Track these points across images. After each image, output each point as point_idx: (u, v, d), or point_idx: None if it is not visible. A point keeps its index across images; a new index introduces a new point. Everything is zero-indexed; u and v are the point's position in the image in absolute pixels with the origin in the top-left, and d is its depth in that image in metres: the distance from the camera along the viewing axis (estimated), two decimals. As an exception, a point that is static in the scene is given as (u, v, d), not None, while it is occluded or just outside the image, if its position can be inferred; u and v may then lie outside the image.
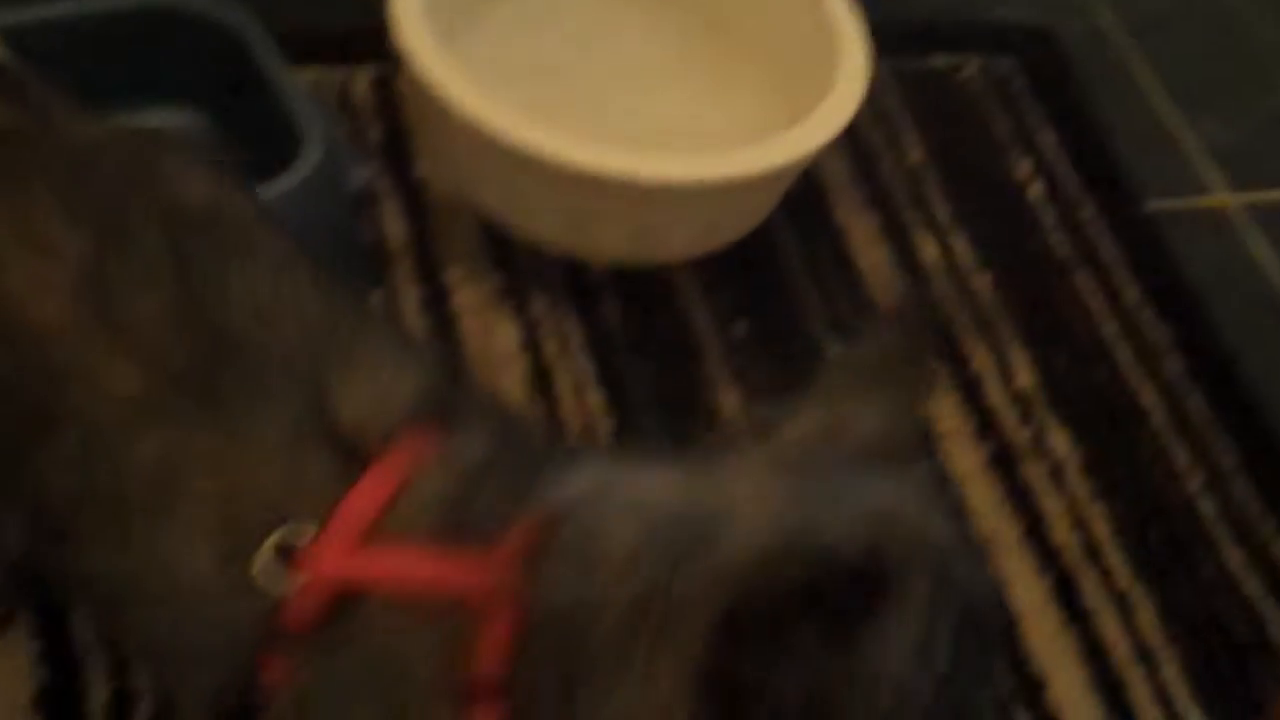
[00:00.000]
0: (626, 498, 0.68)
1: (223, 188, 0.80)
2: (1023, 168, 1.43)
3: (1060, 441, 1.22)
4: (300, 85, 1.15)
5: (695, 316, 1.24)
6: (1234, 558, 1.18)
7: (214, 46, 1.19)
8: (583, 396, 1.17)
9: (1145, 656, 1.11)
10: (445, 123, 1.20)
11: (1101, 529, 1.18)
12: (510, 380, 1.16)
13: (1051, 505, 1.18)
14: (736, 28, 1.39)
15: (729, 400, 1.19)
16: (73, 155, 0.78)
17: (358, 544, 0.69)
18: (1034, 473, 1.20)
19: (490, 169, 1.21)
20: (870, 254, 1.33)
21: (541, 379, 1.17)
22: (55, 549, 0.78)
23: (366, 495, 0.70)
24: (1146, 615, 1.13)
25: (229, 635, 0.72)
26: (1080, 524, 1.18)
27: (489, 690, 0.67)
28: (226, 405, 0.72)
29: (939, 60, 1.52)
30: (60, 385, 0.73)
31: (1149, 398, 1.27)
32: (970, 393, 1.24)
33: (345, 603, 0.69)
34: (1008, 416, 1.23)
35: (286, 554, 0.69)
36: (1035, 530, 1.17)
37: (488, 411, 0.76)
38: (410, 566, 0.69)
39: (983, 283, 1.32)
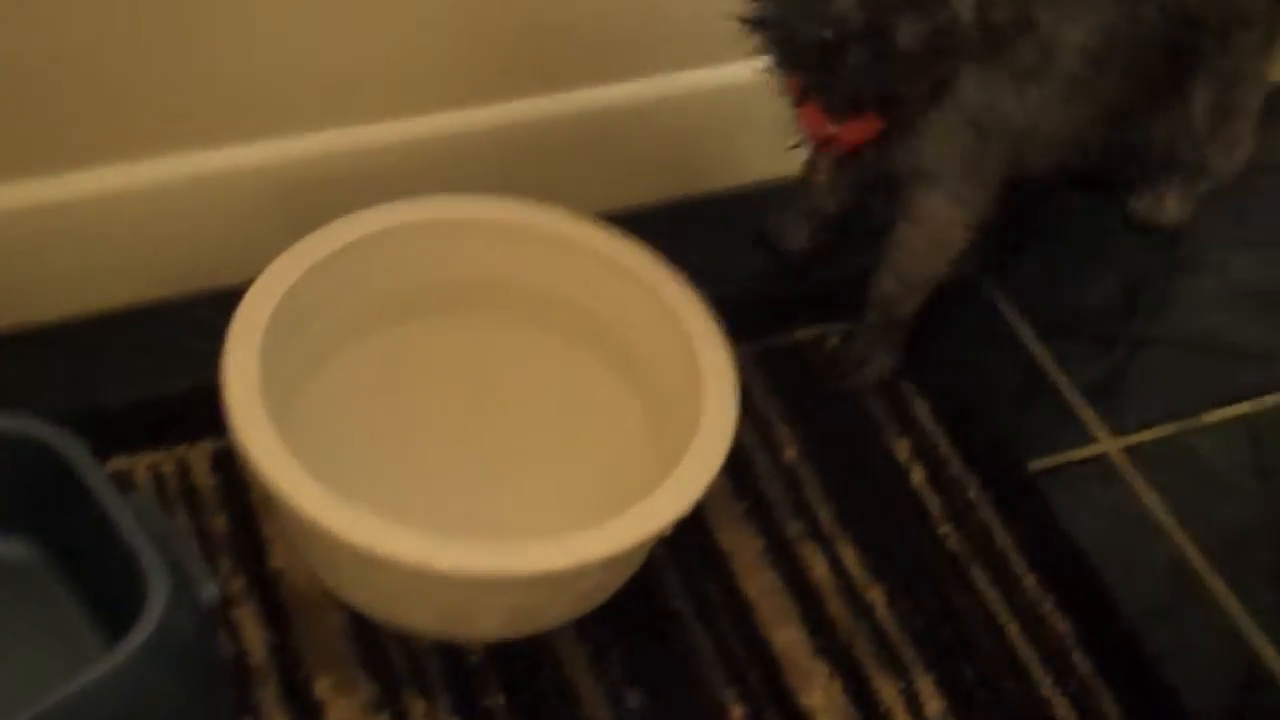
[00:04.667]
0: None
1: None
2: (902, 449, 1.38)
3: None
4: (133, 516, 1.06)
5: (584, 691, 1.18)
6: None
7: (47, 473, 1.11)
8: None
9: None
10: (296, 526, 1.13)
11: None
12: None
13: None
14: (586, 342, 1.33)
15: (631, 791, 1.12)
16: None
17: None
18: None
19: (348, 570, 1.14)
20: (758, 579, 1.27)
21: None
22: None
23: None
24: None
25: None
26: None
27: None
28: None
29: (802, 333, 1.46)
30: None
31: (1062, 709, 1.22)
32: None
33: None
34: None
35: None
36: None
37: None
38: None
39: (877, 596, 1.27)
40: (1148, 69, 1.35)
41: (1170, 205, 1.62)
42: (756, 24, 1.20)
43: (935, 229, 1.34)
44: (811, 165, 1.47)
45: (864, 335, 1.43)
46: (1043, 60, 1.23)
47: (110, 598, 1.08)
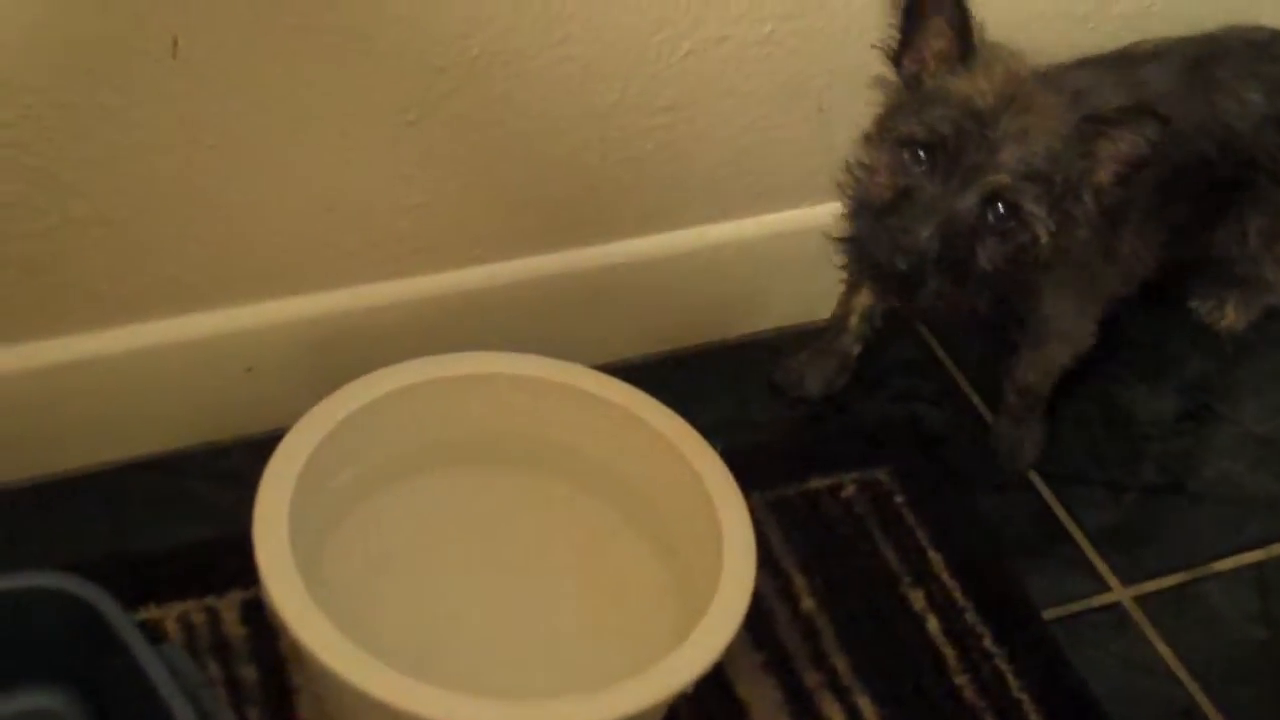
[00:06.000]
0: None
1: None
2: (917, 598, 1.40)
3: None
4: (164, 667, 1.08)
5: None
6: None
7: (80, 625, 1.13)
8: None
9: None
10: (324, 681, 1.14)
11: None
12: None
13: None
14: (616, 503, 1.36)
15: None
16: None
17: None
18: None
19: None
20: (777, 731, 1.28)
21: None
22: None
23: None
24: None
25: None
26: None
27: None
28: None
29: (817, 482, 1.49)
30: None
31: None
32: None
33: None
34: None
35: None
36: None
37: None
38: None
39: (895, 751, 1.29)
40: (1207, 198, 1.47)
41: (1230, 311, 1.72)
42: (842, 242, 1.27)
43: (1068, 341, 1.47)
44: (845, 306, 1.53)
45: (1007, 421, 1.55)
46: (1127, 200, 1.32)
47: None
